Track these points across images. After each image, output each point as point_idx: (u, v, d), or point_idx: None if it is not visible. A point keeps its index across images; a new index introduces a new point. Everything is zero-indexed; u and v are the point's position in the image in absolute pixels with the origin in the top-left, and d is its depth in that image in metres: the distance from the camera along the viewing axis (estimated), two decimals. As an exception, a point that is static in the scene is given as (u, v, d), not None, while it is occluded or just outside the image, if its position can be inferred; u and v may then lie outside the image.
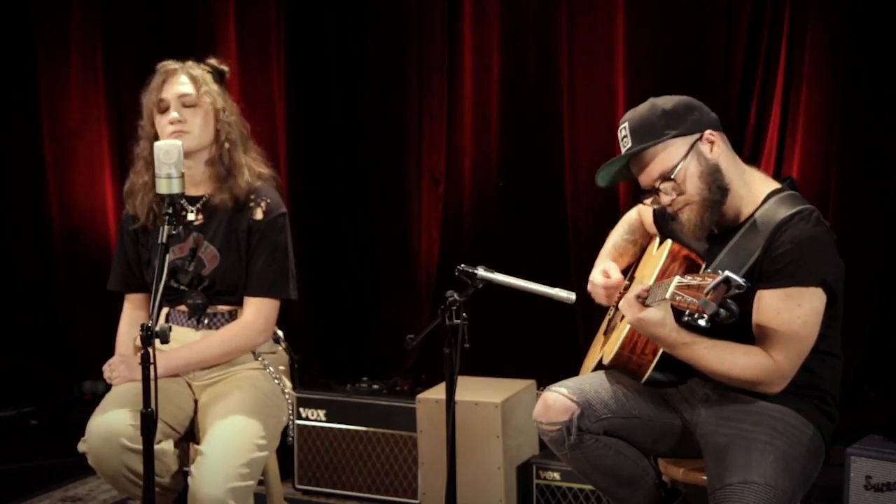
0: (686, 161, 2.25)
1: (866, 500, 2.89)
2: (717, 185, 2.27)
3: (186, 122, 2.59)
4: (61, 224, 5.13)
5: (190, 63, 2.69)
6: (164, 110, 2.61)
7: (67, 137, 5.09)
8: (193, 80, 2.64)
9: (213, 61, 2.73)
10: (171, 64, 2.68)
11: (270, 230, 2.65)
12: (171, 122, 2.58)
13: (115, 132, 4.98)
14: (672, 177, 2.25)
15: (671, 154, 2.26)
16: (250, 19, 4.67)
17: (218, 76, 2.73)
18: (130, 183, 2.74)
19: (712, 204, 2.27)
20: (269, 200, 2.67)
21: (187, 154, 2.54)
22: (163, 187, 2.31)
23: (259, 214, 2.65)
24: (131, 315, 2.80)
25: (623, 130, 2.33)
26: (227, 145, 2.65)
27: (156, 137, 2.61)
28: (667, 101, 2.31)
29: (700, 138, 2.27)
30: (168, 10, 4.85)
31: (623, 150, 2.33)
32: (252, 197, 2.66)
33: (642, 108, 2.33)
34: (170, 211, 2.30)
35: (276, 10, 4.60)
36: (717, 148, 2.28)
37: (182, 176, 2.31)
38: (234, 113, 2.71)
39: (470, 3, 4.30)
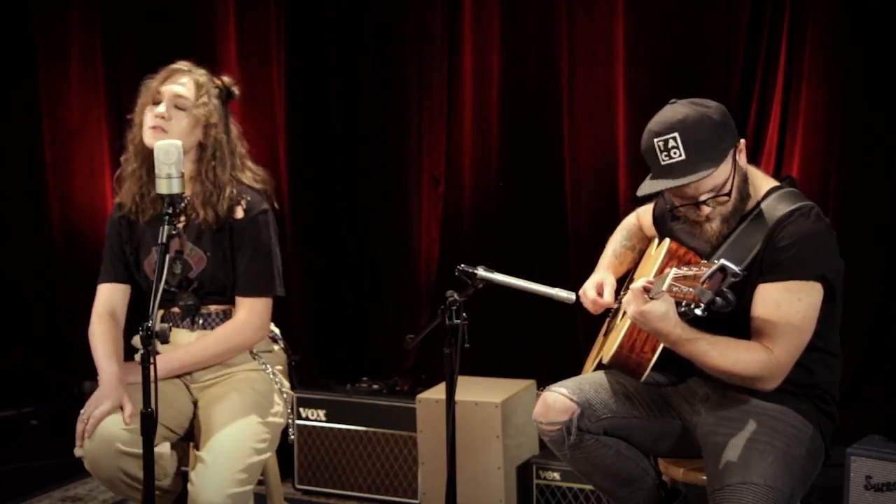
0: (734, 174, 2.24)
1: (866, 500, 2.89)
2: (745, 194, 2.28)
3: (170, 122, 2.57)
4: (61, 224, 5.14)
5: (202, 71, 2.67)
6: (156, 103, 2.60)
7: (67, 137, 5.10)
8: (197, 86, 2.62)
9: (226, 79, 2.72)
10: (183, 64, 2.67)
11: (251, 229, 2.63)
12: (156, 116, 2.57)
13: (115, 132, 4.98)
14: (727, 192, 2.23)
15: (722, 171, 2.22)
16: (250, 19, 4.67)
17: (225, 95, 2.70)
18: (120, 169, 2.72)
19: (739, 212, 2.28)
20: (248, 199, 2.65)
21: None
22: (163, 187, 2.30)
23: (239, 213, 2.63)
24: (105, 307, 2.68)
25: (671, 141, 2.19)
26: (212, 162, 2.62)
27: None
28: (713, 111, 2.22)
29: (736, 148, 2.25)
30: (168, 10, 4.85)
31: (668, 161, 2.20)
32: (231, 198, 2.63)
33: (693, 119, 2.20)
34: (170, 211, 2.29)
35: (276, 10, 4.60)
36: (743, 154, 2.28)
37: (182, 176, 2.31)
38: (228, 133, 2.67)
39: (470, 3, 4.30)
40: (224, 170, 2.63)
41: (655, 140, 2.22)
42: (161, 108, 2.58)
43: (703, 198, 2.24)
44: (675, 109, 2.24)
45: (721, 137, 2.21)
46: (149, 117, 2.59)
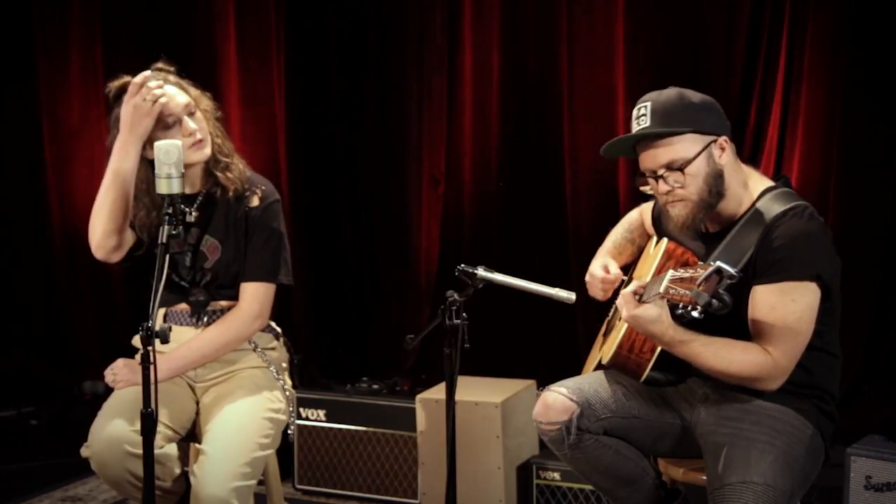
0: (698, 159, 2.26)
1: (866, 500, 2.89)
2: (716, 190, 2.29)
3: (201, 131, 2.57)
4: (61, 224, 5.13)
5: (148, 73, 2.54)
6: (168, 126, 2.52)
7: (67, 137, 5.10)
8: (180, 86, 2.59)
9: (160, 65, 2.62)
10: (147, 78, 2.51)
11: (266, 216, 2.66)
12: (190, 135, 2.53)
13: (115, 132, 4.98)
14: (682, 170, 2.25)
15: (686, 147, 2.26)
16: (250, 19, 4.67)
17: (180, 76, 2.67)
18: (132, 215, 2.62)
19: (706, 206, 2.29)
20: (263, 188, 2.69)
21: (198, 162, 2.56)
22: (163, 187, 2.30)
23: (255, 201, 2.66)
24: None
25: (642, 109, 2.30)
26: (218, 139, 2.65)
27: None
28: (694, 95, 2.31)
29: (715, 141, 2.28)
30: (168, 10, 4.85)
31: (637, 128, 2.31)
32: (247, 185, 2.67)
33: (669, 94, 2.31)
34: (170, 211, 2.29)
35: (276, 10, 4.60)
36: (725, 155, 2.29)
37: (182, 176, 2.31)
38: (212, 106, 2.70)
39: (470, 3, 4.30)
40: (229, 139, 2.69)
41: (634, 109, 2.34)
42: (191, 124, 2.55)
43: (659, 171, 2.28)
44: (665, 89, 2.35)
45: (690, 115, 2.27)
46: (177, 139, 2.45)
